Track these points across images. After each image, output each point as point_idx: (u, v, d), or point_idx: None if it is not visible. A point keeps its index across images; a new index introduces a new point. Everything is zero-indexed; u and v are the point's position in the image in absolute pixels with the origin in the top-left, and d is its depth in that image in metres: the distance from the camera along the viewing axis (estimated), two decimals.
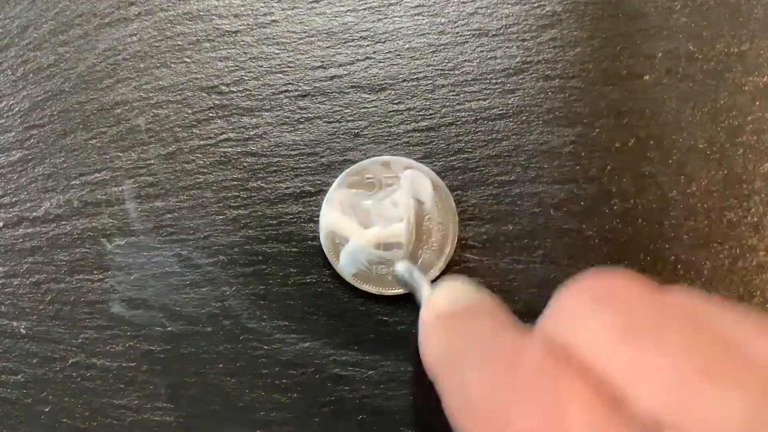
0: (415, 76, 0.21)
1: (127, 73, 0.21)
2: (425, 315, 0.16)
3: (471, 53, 0.20)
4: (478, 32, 0.20)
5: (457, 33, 0.21)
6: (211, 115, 0.21)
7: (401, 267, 0.18)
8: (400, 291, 0.20)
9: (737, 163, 0.20)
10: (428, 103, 0.20)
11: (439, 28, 0.21)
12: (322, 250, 0.20)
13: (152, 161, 0.21)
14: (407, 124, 0.20)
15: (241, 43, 0.21)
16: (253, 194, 0.21)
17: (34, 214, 0.22)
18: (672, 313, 0.11)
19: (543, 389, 0.11)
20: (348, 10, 0.21)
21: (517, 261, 0.20)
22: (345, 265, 0.20)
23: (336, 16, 0.21)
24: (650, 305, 0.11)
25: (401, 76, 0.21)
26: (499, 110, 0.20)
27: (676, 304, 0.11)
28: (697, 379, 0.10)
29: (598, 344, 0.11)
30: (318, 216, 0.20)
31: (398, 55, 0.21)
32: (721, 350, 0.10)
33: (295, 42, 0.21)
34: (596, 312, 0.11)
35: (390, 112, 0.21)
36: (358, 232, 0.20)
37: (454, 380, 0.14)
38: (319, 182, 0.21)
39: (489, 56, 0.20)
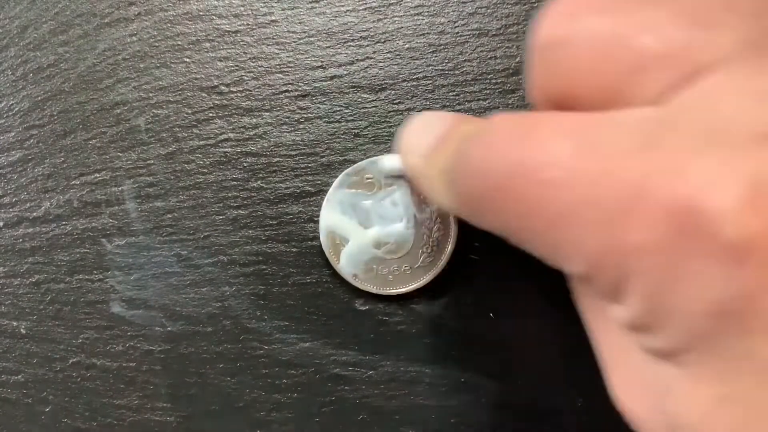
0: (415, 76, 0.21)
1: (126, 73, 0.21)
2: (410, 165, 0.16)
3: (471, 53, 0.20)
4: (478, 32, 0.20)
5: (457, 33, 0.21)
6: (210, 115, 0.21)
7: (391, 161, 0.18)
8: (400, 291, 0.20)
9: None
10: (428, 103, 0.20)
11: (439, 28, 0.21)
12: (322, 250, 0.20)
13: (152, 161, 0.21)
14: None
15: (241, 43, 0.21)
16: (253, 194, 0.21)
17: (34, 214, 0.22)
18: None
19: (520, 131, 0.11)
20: (348, 10, 0.21)
21: (517, 261, 0.20)
22: (345, 265, 0.20)
23: (336, 16, 0.21)
24: None
25: (401, 76, 0.21)
26: (500, 110, 0.20)
27: None
28: (693, 31, 0.10)
29: (596, 43, 0.11)
30: (318, 216, 0.20)
31: (398, 55, 0.21)
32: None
33: (295, 42, 0.21)
34: (589, 12, 0.12)
35: (390, 112, 0.21)
36: (358, 232, 0.20)
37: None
38: (319, 182, 0.21)
39: (489, 56, 0.20)
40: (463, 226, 0.20)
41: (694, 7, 0.10)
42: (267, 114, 0.21)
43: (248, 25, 0.21)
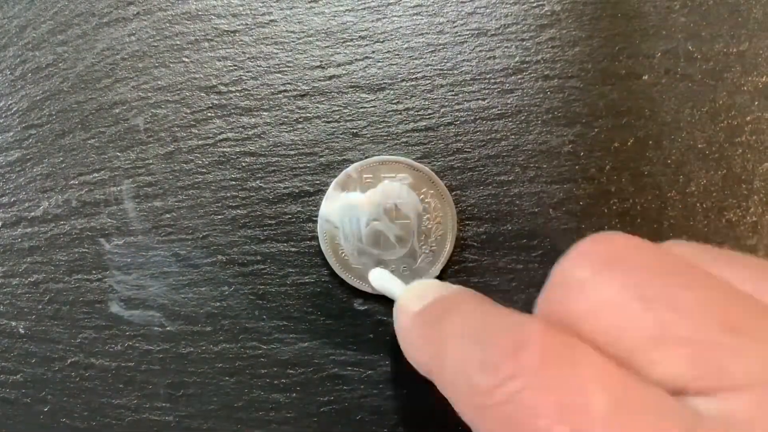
0: (414, 76, 0.20)
1: (125, 72, 0.21)
2: (400, 320, 0.16)
3: (470, 53, 0.20)
4: (476, 32, 0.20)
5: (456, 33, 0.20)
6: (209, 114, 0.21)
7: (375, 273, 0.19)
8: None
9: (736, 163, 0.20)
10: (427, 102, 0.20)
11: (438, 28, 0.21)
12: (321, 250, 0.20)
13: (151, 161, 0.21)
14: (406, 124, 0.20)
15: (240, 42, 0.21)
16: (251, 194, 0.21)
17: (33, 213, 0.22)
18: (682, 272, 0.11)
19: (558, 369, 0.10)
20: (346, 10, 0.21)
21: (516, 261, 0.20)
22: (344, 264, 0.20)
23: (334, 16, 0.21)
24: (659, 265, 0.11)
25: (400, 75, 0.21)
26: (498, 110, 0.20)
27: (683, 263, 0.11)
28: (720, 338, 0.10)
29: (613, 310, 0.11)
30: (317, 216, 0.20)
31: (397, 54, 0.21)
32: (736, 304, 0.10)
33: (293, 42, 0.21)
34: (608, 277, 0.11)
35: (389, 111, 0.21)
36: (357, 232, 0.20)
37: (456, 376, 0.12)
38: (317, 182, 0.21)
39: (488, 56, 0.20)
40: (463, 227, 0.20)
41: (725, 313, 0.10)
42: (266, 114, 0.21)
43: (247, 24, 0.21)
